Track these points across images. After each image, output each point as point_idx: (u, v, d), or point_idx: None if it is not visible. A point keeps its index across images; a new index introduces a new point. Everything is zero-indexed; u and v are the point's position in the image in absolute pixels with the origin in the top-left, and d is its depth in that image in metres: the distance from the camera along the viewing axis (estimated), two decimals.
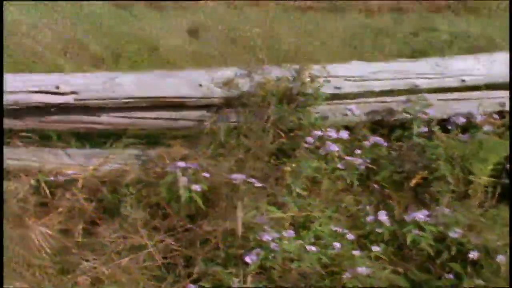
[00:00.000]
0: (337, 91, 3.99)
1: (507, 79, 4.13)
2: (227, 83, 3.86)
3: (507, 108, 4.11)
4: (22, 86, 3.80)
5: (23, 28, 5.81)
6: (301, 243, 3.26)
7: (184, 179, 3.44)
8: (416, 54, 5.47)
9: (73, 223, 3.57)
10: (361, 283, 3.13)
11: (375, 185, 3.74)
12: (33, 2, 6.57)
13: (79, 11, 6.47)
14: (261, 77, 3.88)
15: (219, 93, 3.88)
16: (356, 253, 3.27)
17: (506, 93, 4.13)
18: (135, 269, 3.28)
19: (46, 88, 3.79)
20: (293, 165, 3.60)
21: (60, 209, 3.63)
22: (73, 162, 3.87)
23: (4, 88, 3.74)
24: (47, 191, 3.71)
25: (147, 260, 3.32)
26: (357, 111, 4.01)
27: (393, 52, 5.68)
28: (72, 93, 3.80)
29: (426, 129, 3.95)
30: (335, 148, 3.73)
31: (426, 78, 4.12)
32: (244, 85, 3.88)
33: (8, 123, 3.85)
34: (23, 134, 3.90)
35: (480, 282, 3.17)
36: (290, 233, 3.28)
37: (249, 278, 3.14)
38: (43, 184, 3.73)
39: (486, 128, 3.98)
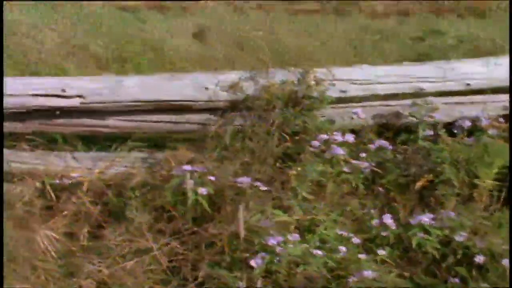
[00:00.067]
0: (342, 95, 4.00)
1: None
2: (233, 87, 3.86)
3: None
4: (27, 89, 3.82)
5: (23, 28, 5.81)
6: (307, 247, 3.26)
7: (191, 182, 3.45)
8: (421, 57, 5.46)
9: (78, 226, 3.58)
10: (367, 286, 3.13)
11: (381, 189, 3.74)
12: (33, 2, 6.55)
13: (79, 11, 6.45)
14: (266, 81, 3.89)
15: (224, 97, 3.88)
16: (362, 256, 3.28)
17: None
18: (140, 272, 3.28)
19: (52, 91, 3.80)
20: (299, 168, 3.60)
21: (65, 212, 3.63)
22: (79, 165, 3.88)
23: (9, 92, 3.75)
24: (53, 194, 3.72)
25: (152, 264, 3.33)
26: (362, 114, 4.01)
27: (398, 55, 5.67)
28: (78, 96, 3.81)
29: (431, 133, 3.95)
30: (340, 151, 3.73)
31: (431, 81, 4.12)
32: (249, 88, 3.88)
33: (13, 126, 3.87)
34: (29, 137, 3.91)
35: (485, 286, 3.17)
36: (296, 236, 3.29)
37: (259, 282, 3.14)
38: (48, 187, 3.73)
39: (491, 131, 3.98)
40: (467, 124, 4.01)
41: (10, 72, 4.48)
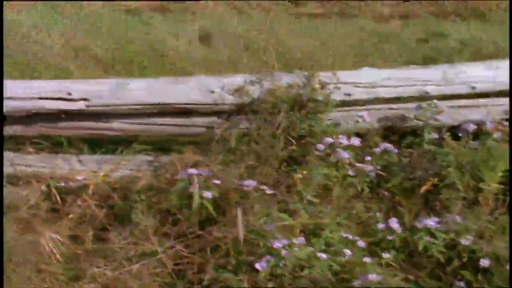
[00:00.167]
0: (347, 98, 3.99)
1: None
2: (238, 90, 3.87)
3: None
4: (32, 92, 3.82)
5: (23, 28, 5.82)
6: (312, 250, 3.26)
7: (197, 186, 3.45)
8: (425, 60, 5.47)
9: (83, 229, 3.57)
10: None
11: (386, 192, 3.73)
12: (32, 2, 6.56)
13: (79, 12, 6.45)
14: (271, 84, 3.89)
15: (230, 100, 3.88)
16: (367, 260, 3.27)
17: None
18: (145, 275, 3.28)
19: (57, 95, 3.80)
20: (304, 172, 3.60)
21: (70, 216, 3.63)
22: (85, 168, 3.88)
23: (13, 95, 3.76)
24: (58, 198, 3.72)
25: (157, 267, 3.32)
26: (368, 118, 4.01)
27: (402, 58, 5.68)
28: (83, 99, 3.82)
29: (436, 136, 3.94)
30: (345, 155, 3.72)
31: (436, 85, 4.12)
32: (255, 91, 3.88)
33: (17, 129, 3.87)
34: (35, 140, 3.91)
35: None
36: (301, 240, 3.28)
37: (269, 284, 3.14)
38: (54, 191, 3.73)
39: (496, 135, 3.98)
40: (472, 127, 4.00)
41: (10, 72, 4.49)
